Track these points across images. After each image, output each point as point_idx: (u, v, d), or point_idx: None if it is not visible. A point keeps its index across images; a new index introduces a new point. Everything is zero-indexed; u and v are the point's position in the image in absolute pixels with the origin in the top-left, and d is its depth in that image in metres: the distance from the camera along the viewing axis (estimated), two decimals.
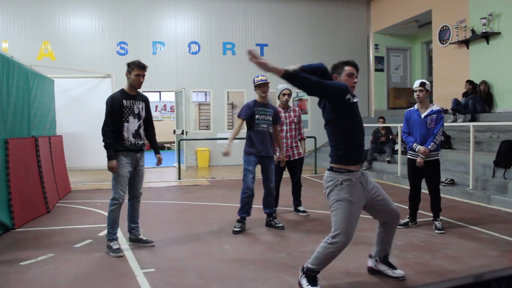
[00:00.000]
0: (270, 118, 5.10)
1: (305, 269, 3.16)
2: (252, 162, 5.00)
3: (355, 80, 3.26)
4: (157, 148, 4.59)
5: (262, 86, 5.05)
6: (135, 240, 4.41)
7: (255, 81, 5.09)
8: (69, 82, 10.55)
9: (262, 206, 5.19)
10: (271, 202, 5.15)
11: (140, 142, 4.34)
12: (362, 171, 3.21)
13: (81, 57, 11.58)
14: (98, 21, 11.89)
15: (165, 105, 20.96)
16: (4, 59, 5.16)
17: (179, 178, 9.62)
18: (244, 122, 5.08)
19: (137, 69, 4.26)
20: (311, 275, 3.14)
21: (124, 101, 4.23)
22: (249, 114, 5.02)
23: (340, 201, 3.02)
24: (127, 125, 4.23)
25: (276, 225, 5.06)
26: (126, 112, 4.22)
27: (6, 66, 5.17)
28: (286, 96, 5.76)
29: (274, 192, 5.16)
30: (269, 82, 5.09)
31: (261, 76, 5.06)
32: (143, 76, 4.32)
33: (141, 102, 4.37)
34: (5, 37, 11.24)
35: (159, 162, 4.57)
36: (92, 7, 11.83)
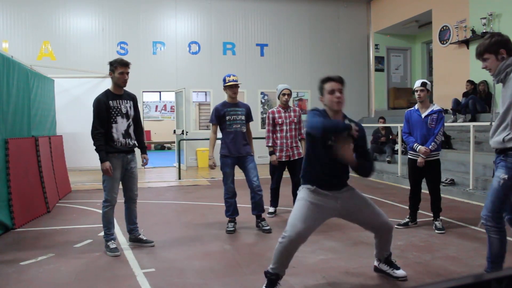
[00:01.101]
0: (243, 117, 5.03)
1: (266, 272, 3.10)
2: (229, 165, 4.99)
3: (338, 94, 3.18)
4: (144, 148, 4.50)
5: (233, 87, 4.99)
6: (135, 240, 4.41)
7: (226, 81, 5.02)
8: (69, 82, 10.54)
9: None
10: (258, 203, 4.99)
11: (131, 143, 4.28)
12: (346, 193, 3.17)
13: (81, 57, 11.59)
14: (98, 21, 11.89)
15: (165, 105, 20.95)
16: (4, 59, 5.16)
17: (179, 178, 9.61)
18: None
19: (120, 67, 4.15)
20: (270, 278, 3.06)
21: (110, 101, 4.16)
22: (220, 116, 5.01)
23: (297, 201, 3.13)
24: (116, 126, 4.17)
25: (263, 228, 4.96)
26: (113, 112, 4.16)
27: (6, 66, 5.17)
28: (286, 96, 5.75)
29: (259, 192, 4.99)
30: (240, 84, 5.05)
31: (233, 76, 5.01)
32: (127, 73, 4.21)
33: (128, 101, 4.28)
34: (5, 37, 11.24)
35: (145, 163, 4.48)
36: (92, 7, 11.83)
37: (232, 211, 4.99)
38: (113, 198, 4.22)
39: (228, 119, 4.98)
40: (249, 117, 5.15)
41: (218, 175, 10.20)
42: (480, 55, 3.16)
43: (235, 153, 4.98)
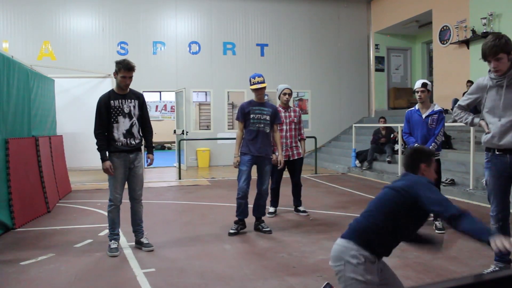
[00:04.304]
0: (267, 118, 4.93)
1: None
2: (246, 162, 4.87)
3: None
4: (150, 147, 4.43)
5: (258, 90, 4.91)
6: (137, 242, 4.39)
7: (251, 82, 4.94)
8: (69, 82, 10.55)
9: (266, 206, 5.11)
10: (261, 205, 4.97)
11: (133, 142, 4.23)
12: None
13: (81, 57, 11.58)
14: (99, 21, 11.89)
15: (165, 105, 20.96)
16: (5, 59, 5.16)
17: (180, 178, 9.61)
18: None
19: (123, 71, 4.10)
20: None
21: (112, 101, 4.14)
22: (245, 114, 4.92)
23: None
24: (117, 126, 4.15)
25: (263, 229, 4.92)
26: (114, 112, 4.14)
27: (7, 66, 5.17)
28: (286, 96, 5.75)
29: (265, 195, 4.97)
30: (265, 86, 4.96)
31: (258, 77, 4.91)
32: (130, 77, 4.17)
33: (132, 100, 4.23)
34: (6, 37, 11.24)
35: (149, 163, 4.43)
36: (93, 7, 11.83)
37: (241, 212, 4.89)
38: (116, 198, 4.20)
39: (252, 117, 4.89)
40: (275, 119, 5.04)
41: (218, 175, 10.24)
42: (494, 54, 3.10)
43: (254, 152, 4.88)
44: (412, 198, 2.36)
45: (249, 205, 4.97)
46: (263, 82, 4.93)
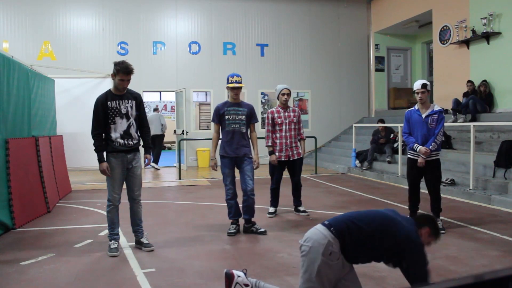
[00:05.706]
0: (243, 118, 4.90)
1: None
2: (227, 165, 4.89)
3: None
4: (147, 147, 4.41)
5: (234, 89, 4.89)
6: (136, 242, 4.39)
7: (229, 81, 4.90)
8: (69, 82, 10.56)
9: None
10: (249, 207, 4.89)
11: (131, 143, 4.22)
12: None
13: (81, 57, 11.58)
14: (99, 21, 11.89)
15: (165, 105, 20.94)
16: (5, 59, 5.16)
17: (180, 178, 9.61)
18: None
19: (121, 74, 4.07)
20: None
21: (109, 102, 4.12)
22: (220, 115, 4.90)
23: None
24: (114, 127, 4.14)
25: (258, 230, 4.85)
26: (111, 113, 4.12)
27: (7, 66, 5.17)
28: (285, 96, 5.74)
29: (252, 196, 4.88)
30: (242, 86, 4.92)
31: (236, 76, 4.89)
32: (128, 80, 4.15)
33: (130, 101, 4.21)
34: (6, 37, 11.24)
35: (147, 163, 4.43)
36: (93, 7, 11.84)
37: (233, 213, 4.92)
38: (114, 198, 4.20)
39: (227, 118, 4.88)
40: (251, 118, 5.01)
41: (219, 175, 10.22)
42: None
43: (231, 153, 4.89)
44: (400, 253, 2.47)
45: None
46: (240, 82, 4.91)
